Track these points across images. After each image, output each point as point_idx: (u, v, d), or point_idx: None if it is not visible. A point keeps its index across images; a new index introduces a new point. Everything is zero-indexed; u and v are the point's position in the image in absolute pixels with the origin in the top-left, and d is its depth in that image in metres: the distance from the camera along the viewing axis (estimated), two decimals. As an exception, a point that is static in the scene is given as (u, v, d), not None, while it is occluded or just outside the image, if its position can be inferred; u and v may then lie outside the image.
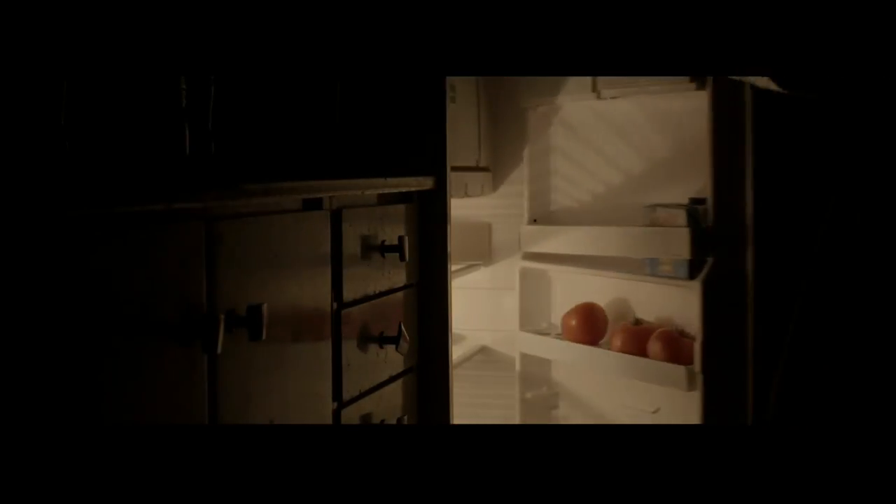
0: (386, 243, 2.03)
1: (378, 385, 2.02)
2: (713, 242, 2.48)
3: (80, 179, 1.40)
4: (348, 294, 1.87)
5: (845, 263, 1.62)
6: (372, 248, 1.98)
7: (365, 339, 1.95)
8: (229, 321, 1.38)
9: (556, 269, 2.95)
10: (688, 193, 2.61)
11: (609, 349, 2.78)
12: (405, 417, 2.14)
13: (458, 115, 2.62)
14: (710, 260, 2.48)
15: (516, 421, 3.00)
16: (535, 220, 2.98)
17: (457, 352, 2.63)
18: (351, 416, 1.89)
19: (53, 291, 1.08)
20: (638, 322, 2.77)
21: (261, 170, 2.15)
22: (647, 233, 2.62)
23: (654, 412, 2.71)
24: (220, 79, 1.95)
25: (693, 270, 2.52)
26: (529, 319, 3.02)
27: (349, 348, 1.87)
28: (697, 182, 2.57)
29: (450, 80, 2.38)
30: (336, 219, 1.83)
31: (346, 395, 1.86)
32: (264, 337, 1.44)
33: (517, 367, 3.00)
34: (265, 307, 1.44)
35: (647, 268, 2.67)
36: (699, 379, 2.46)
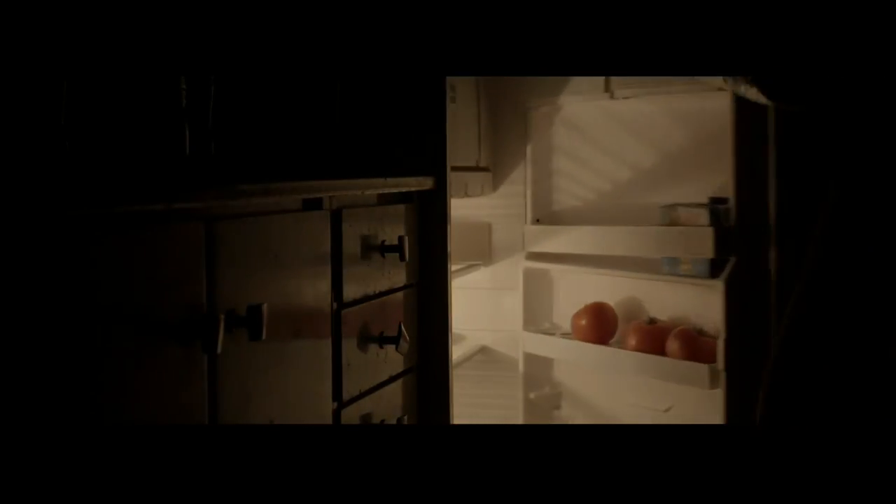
0: (386, 243, 2.03)
1: (378, 385, 2.02)
2: (735, 242, 2.50)
3: (80, 179, 1.40)
4: (348, 294, 1.87)
5: (841, 263, 1.61)
6: (372, 248, 1.98)
7: (365, 339, 1.95)
8: (229, 321, 1.38)
9: (562, 268, 2.96)
10: (700, 193, 2.62)
11: (619, 349, 2.79)
12: (405, 417, 2.14)
13: (458, 115, 2.62)
14: (732, 259, 2.50)
15: (517, 421, 3.00)
16: (537, 220, 2.98)
17: (457, 352, 2.63)
18: (351, 416, 1.89)
19: (53, 291, 1.08)
20: (652, 321, 2.77)
21: (261, 170, 2.15)
22: (667, 232, 2.63)
23: (666, 410, 2.72)
24: (220, 79, 1.95)
25: (714, 270, 2.54)
26: (532, 319, 3.02)
27: (349, 348, 1.87)
28: (711, 181, 2.59)
29: (450, 80, 2.38)
30: (336, 219, 1.83)
31: (346, 395, 1.86)
32: (264, 337, 1.44)
33: (520, 367, 3.00)
34: (265, 307, 1.44)
35: (666, 267, 2.67)
36: (722, 377, 2.48)
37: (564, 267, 2.94)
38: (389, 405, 2.09)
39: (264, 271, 1.55)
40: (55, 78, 1.64)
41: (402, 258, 2.06)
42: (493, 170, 3.01)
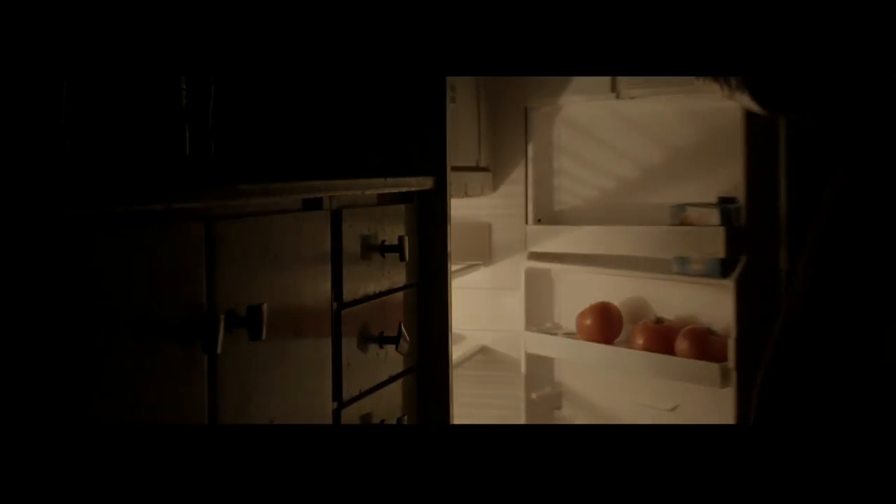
0: (386, 243, 2.03)
1: (378, 385, 2.02)
2: (746, 241, 2.51)
3: (80, 179, 1.40)
4: (348, 294, 1.87)
5: (837, 264, 1.61)
6: (372, 248, 1.98)
7: (365, 339, 1.95)
8: (229, 321, 1.38)
9: (564, 268, 2.96)
10: (706, 193, 2.63)
11: (623, 348, 2.79)
12: (405, 417, 2.14)
13: (458, 115, 2.62)
14: (743, 259, 2.51)
15: (518, 421, 3.00)
16: (538, 220, 2.98)
17: (457, 352, 2.63)
18: (351, 415, 1.89)
19: (53, 291, 1.08)
20: (659, 321, 2.78)
21: (261, 170, 2.15)
22: (677, 232, 2.64)
23: (672, 409, 2.73)
24: (220, 79, 1.95)
25: (725, 269, 2.55)
26: (534, 319, 3.02)
27: (349, 348, 1.87)
28: (718, 181, 2.61)
29: (450, 80, 2.38)
30: (336, 219, 1.83)
31: (346, 395, 1.86)
32: (264, 337, 1.44)
33: (523, 367, 3.00)
34: (265, 307, 1.44)
35: (676, 267, 2.68)
36: (733, 376, 2.50)
37: (567, 267, 2.94)
38: (389, 405, 2.09)
39: (264, 271, 1.55)
40: (55, 78, 1.64)
41: (402, 258, 2.06)
42: (493, 170, 3.01)
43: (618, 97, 2.78)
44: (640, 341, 2.75)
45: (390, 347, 2.02)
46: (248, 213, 1.53)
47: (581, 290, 2.97)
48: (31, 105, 1.61)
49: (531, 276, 3.00)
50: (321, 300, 1.77)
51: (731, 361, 2.50)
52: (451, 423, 2.31)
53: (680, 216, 2.65)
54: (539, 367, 3.02)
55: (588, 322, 2.88)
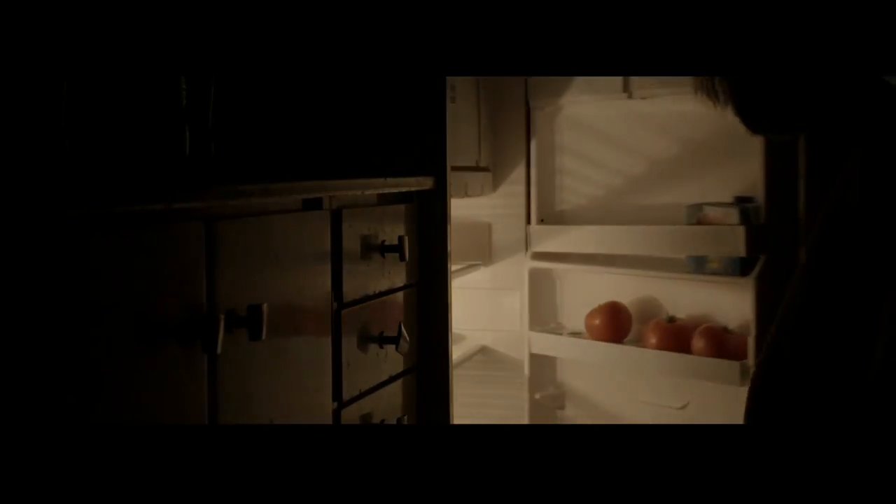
0: (386, 243, 2.03)
1: (378, 385, 2.02)
2: (765, 240, 2.53)
3: (80, 179, 1.40)
4: (348, 294, 1.87)
5: (835, 266, 1.61)
6: (372, 248, 1.98)
7: (365, 339, 1.95)
8: (229, 321, 1.38)
9: (570, 268, 2.96)
10: (719, 192, 2.65)
11: (636, 347, 2.80)
12: (405, 417, 2.14)
13: (458, 115, 2.62)
14: (761, 258, 2.53)
15: (519, 421, 3.00)
16: (541, 220, 2.98)
17: (457, 352, 2.63)
18: (351, 415, 1.89)
19: (53, 291, 1.08)
20: (672, 319, 2.78)
21: (261, 170, 2.15)
22: (695, 231, 2.65)
23: (682, 408, 2.74)
24: (220, 79, 1.95)
25: (743, 268, 2.57)
26: (537, 320, 3.02)
27: (349, 348, 1.87)
28: (732, 181, 2.62)
29: (450, 80, 2.38)
30: (336, 219, 1.83)
31: (346, 395, 1.86)
32: (264, 337, 1.44)
33: (526, 367, 3.00)
34: (265, 307, 1.44)
35: (691, 266, 2.69)
36: (752, 373, 2.50)
37: (573, 267, 2.94)
38: (389, 405, 2.09)
39: (264, 271, 1.55)
40: (55, 78, 1.64)
41: (402, 258, 2.06)
42: (493, 170, 3.01)
43: (630, 97, 2.79)
44: (653, 340, 2.76)
45: (390, 347, 2.02)
46: (248, 213, 1.53)
47: (586, 290, 2.97)
48: (31, 105, 1.61)
49: (535, 276, 3.00)
50: (321, 300, 1.77)
51: (751, 359, 2.52)
52: (451, 423, 2.31)
53: (697, 215, 2.67)
54: (542, 368, 3.02)
55: (597, 322, 2.88)
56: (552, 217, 3.00)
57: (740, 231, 2.54)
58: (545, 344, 2.97)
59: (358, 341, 1.92)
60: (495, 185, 3.03)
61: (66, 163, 1.66)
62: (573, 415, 3.02)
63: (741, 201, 2.60)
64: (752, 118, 1.68)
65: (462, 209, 2.81)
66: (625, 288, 2.90)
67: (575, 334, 2.97)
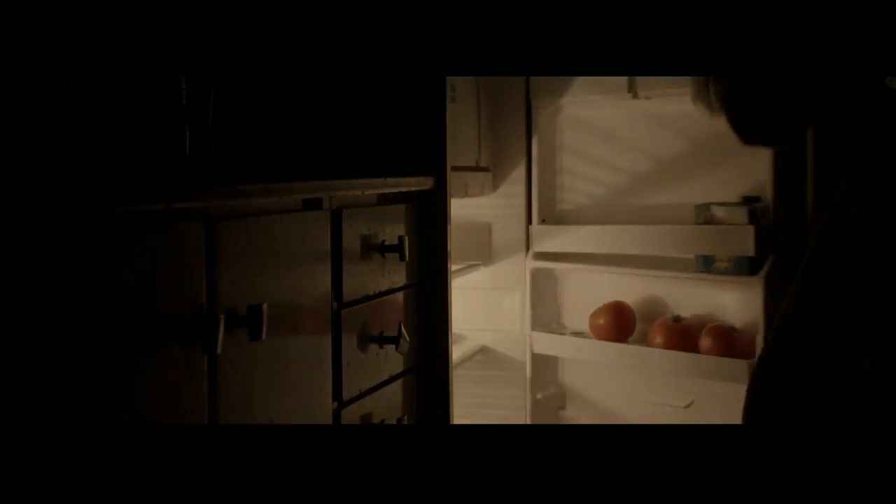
0: (386, 243, 2.03)
1: (378, 385, 2.02)
2: (773, 240, 2.55)
3: (80, 179, 1.40)
4: (348, 294, 1.87)
5: (833, 270, 1.61)
6: (372, 248, 1.98)
7: (365, 339, 1.95)
8: (229, 321, 1.38)
9: (574, 268, 2.96)
10: (725, 192, 2.66)
11: (643, 347, 2.80)
12: (405, 417, 2.14)
13: (458, 115, 2.62)
14: (770, 257, 2.54)
15: (519, 421, 3.00)
16: (543, 220, 2.98)
17: (457, 352, 2.63)
18: (351, 415, 1.89)
19: (54, 291, 1.08)
20: (678, 319, 2.79)
21: (261, 170, 2.15)
22: (704, 231, 2.66)
23: (686, 406, 2.74)
24: (220, 79, 1.95)
25: (751, 267, 2.59)
26: (539, 320, 3.02)
27: (349, 348, 1.87)
28: (739, 180, 2.63)
29: (450, 80, 2.38)
30: (336, 219, 1.83)
31: (346, 395, 1.86)
32: (264, 337, 1.44)
33: (528, 367, 3.00)
34: (265, 307, 1.44)
35: (699, 265, 2.69)
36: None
37: (576, 266, 2.94)
38: (389, 405, 2.09)
39: (264, 271, 1.55)
40: (55, 78, 1.64)
41: (402, 258, 2.06)
42: (493, 170, 3.01)
43: (635, 97, 2.79)
44: (658, 340, 2.76)
45: (390, 347, 2.02)
46: (248, 213, 1.53)
47: (589, 290, 2.97)
48: (31, 105, 1.61)
49: (536, 276, 3.00)
50: (321, 300, 1.77)
51: None
52: (451, 423, 2.31)
53: (705, 215, 2.67)
54: (544, 368, 3.02)
55: (601, 322, 2.88)
56: (554, 217, 3.00)
57: (750, 231, 2.55)
58: (548, 344, 2.97)
59: (358, 341, 1.92)
60: (495, 185, 3.03)
61: (66, 163, 1.66)
62: (575, 415, 3.02)
63: (748, 201, 2.62)
64: (743, 129, 1.69)
65: (462, 209, 2.81)
66: (627, 288, 2.90)
67: (577, 334, 2.96)
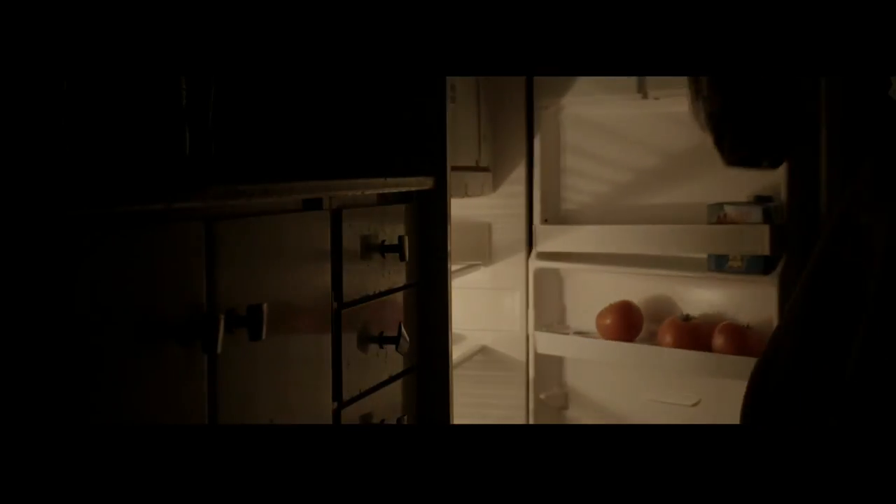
0: (386, 243, 2.03)
1: (378, 385, 2.02)
2: (787, 239, 2.57)
3: (80, 179, 1.40)
4: (348, 294, 1.87)
5: (836, 274, 1.61)
6: (372, 248, 1.98)
7: (365, 339, 1.95)
8: (229, 321, 1.38)
9: (579, 268, 2.96)
10: (735, 192, 2.66)
11: (653, 346, 2.80)
12: (405, 417, 2.14)
13: (458, 115, 2.62)
14: (784, 256, 2.56)
15: (520, 421, 3.00)
16: (545, 220, 2.98)
17: (457, 352, 2.63)
18: (351, 415, 1.89)
19: (53, 291, 1.08)
20: (687, 318, 2.79)
21: (261, 170, 2.15)
22: (717, 230, 2.67)
23: (694, 405, 2.74)
24: (220, 79, 1.95)
25: (765, 266, 2.61)
26: (542, 320, 3.02)
27: (349, 348, 1.87)
28: (749, 180, 2.62)
29: (450, 80, 2.38)
30: (336, 219, 1.83)
31: (346, 395, 1.86)
32: (264, 337, 1.44)
33: (531, 368, 3.00)
34: (265, 307, 1.44)
35: (712, 264, 2.70)
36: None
37: (582, 266, 2.94)
38: (389, 405, 2.09)
39: (264, 271, 1.55)
40: (55, 78, 1.64)
41: (402, 258, 2.06)
42: (493, 170, 3.01)
43: (644, 97, 2.79)
44: (668, 339, 2.76)
45: (390, 347, 2.02)
46: (248, 213, 1.53)
47: (593, 290, 2.97)
48: (31, 105, 1.61)
49: (539, 276, 3.00)
50: (321, 300, 1.77)
51: None
52: (451, 423, 2.31)
53: (718, 214, 2.68)
54: (546, 368, 3.02)
55: (608, 321, 2.87)
56: (556, 217, 3.00)
57: (765, 230, 2.57)
58: (553, 344, 2.97)
59: (358, 341, 1.92)
60: (495, 185, 3.03)
61: (65, 163, 1.66)
62: (578, 415, 3.02)
63: (760, 201, 2.63)
64: (726, 150, 1.71)
65: (462, 209, 2.81)
66: (632, 288, 2.90)
67: (580, 334, 2.96)
